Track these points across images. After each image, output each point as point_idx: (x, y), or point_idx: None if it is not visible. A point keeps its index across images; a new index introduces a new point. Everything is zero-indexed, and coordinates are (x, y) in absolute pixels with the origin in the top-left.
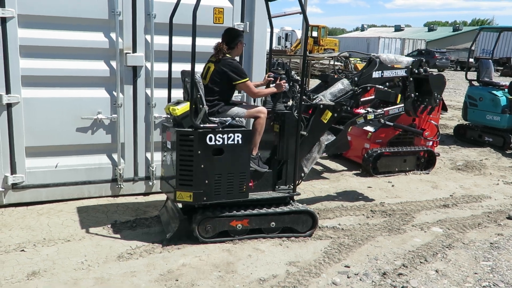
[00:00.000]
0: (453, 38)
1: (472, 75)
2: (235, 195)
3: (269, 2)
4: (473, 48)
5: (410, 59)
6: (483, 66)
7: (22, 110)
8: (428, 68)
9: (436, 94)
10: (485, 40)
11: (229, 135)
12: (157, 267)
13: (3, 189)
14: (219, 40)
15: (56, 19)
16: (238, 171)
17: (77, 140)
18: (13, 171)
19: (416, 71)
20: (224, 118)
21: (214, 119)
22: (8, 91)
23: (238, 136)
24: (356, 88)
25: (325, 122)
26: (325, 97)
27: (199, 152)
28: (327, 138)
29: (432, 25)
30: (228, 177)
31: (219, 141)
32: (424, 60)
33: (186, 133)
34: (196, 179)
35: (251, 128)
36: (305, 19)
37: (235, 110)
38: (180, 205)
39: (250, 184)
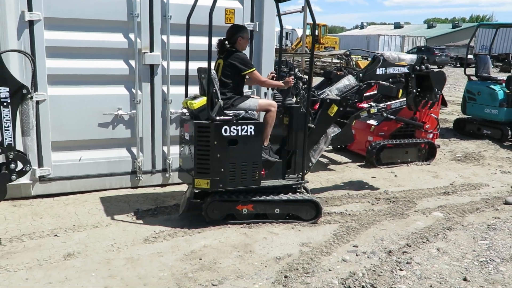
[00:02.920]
0: (452, 35)
1: (471, 70)
2: (248, 183)
3: (278, 3)
4: (472, 44)
5: (414, 57)
6: (481, 62)
7: (48, 107)
8: (429, 65)
9: (436, 89)
10: (484, 36)
11: (242, 127)
12: (181, 248)
13: (31, 181)
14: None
15: (79, 21)
16: (251, 160)
17: (99, 134)
18: (40, 164)
19: (418, 68)
20: (238, 111)
21: (229, 112)
22: (35, 89)
23: (251, 128)
24: (361, 83)
25: (331, 115)
26: (332, 92)
27: (215, 142)
28: (333, 131)
29: (431, 22)
30: (242, 165)
31: (233, 132)
32: (425, 58)
33: (204, 125)
34: (213, 168)
35: (262, 121)
36: (312, 17)
37: (248, 103)
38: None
39: (262, 172)
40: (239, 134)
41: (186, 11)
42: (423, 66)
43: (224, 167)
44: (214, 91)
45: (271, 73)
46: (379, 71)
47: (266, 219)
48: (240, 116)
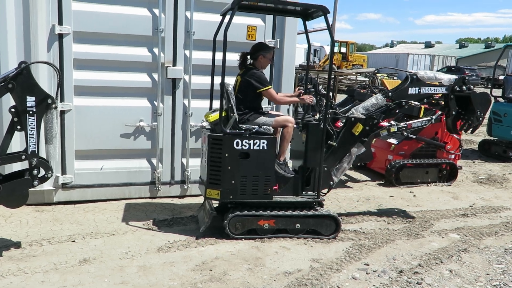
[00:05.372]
0: (484, 55)
1: (497, 92)
2: (259, 196)
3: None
4: (504, 65)
5: (453, 77)
6: (509, 83)
7: (73, 116)
8: (472, 86)
9: (479, 112)
10: None
11: (255, 141)
12: (192, 259)
13: (54, 188)
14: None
15: (106, 35)
16: (263, 174)
17: (120, 145)
18: (63, 172)
19: (458, 89)
20: (252, 126)
21: (243, 126)
22: (62, 99)
23: (263, 142)
24: (390, 103)
25: (356, 134)
26: (357, 111)
27: (227, 155)
28: (358, 150)
29: (463, 42)
30: (253, 179)
31: (245, 146)
32: (467, 78)
33: (216, 137)
34: (224, 179)
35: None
36: (331, 36)
37: (263, 118)
38: (215, 205)
39: (275, 187)
40: (251, 148)
41: (209, 27)
42: (464, 87)
43: (235, 179)
44: (230, 105)
45: (298, 89)
46: (412, 90)
47: (286, 234)
48: (254, 130)
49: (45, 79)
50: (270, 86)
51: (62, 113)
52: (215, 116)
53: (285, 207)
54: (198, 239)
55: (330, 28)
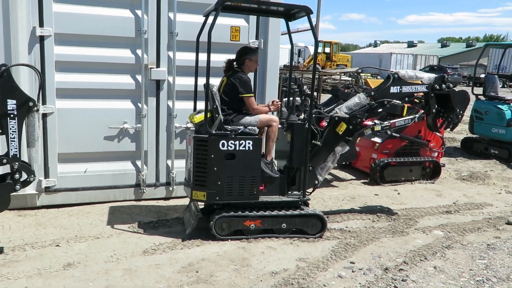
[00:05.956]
0: (466, 54)
1: (479, 90)
2: (246, 197)
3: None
4: (485, 64)
5: (432, 75)
6: (489, 81)
7: (56, 119)
8: (451, 85)
9: (458, 110)
10: (497, 56)
11: (240, 142)
12: (179, 261)
13: (37, 192)
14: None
15: (88, 37)
16: (249, 174)
17: (104, 147)
18: (46, 175)
19: (438, 87)
20: (238, 127)
21: (228, 127)
22: (44, 102)
23: (249, 143)
24: (372, 102)
25: (340, 133)
26: (341, 110)
27: (212, 156)
28: (342, 149)
29: (445, 41)
30: (240, 179)
31: (231, 147)
32: (446, 77)
33: (202, 138)
34: (210, 180)
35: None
36: (315, 36)
37: (248, 119)
38: (201, 206)
39: (261, 187)
40: (237, 148)
41: (192, 28)
42: (444, 85)
43: (221, 180)
44: (215, 106)
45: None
46: (393, 89)
47: (272, 234)
48: (239, 131)
49: (26, 81)
50: (253, 95)
51: (44, 116)
52: (200, 117)
53: (271, 207)
54: (184, 241)
55: (314, 29)
